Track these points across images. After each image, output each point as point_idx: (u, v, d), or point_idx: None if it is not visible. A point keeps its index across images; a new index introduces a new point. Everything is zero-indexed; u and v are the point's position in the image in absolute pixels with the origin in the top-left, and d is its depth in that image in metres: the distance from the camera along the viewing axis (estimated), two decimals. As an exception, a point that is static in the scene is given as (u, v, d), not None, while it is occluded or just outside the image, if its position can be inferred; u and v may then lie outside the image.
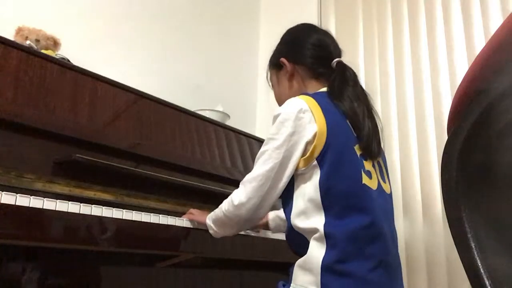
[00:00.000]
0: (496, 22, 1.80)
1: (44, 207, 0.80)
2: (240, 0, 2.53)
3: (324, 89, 0.99)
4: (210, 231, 1.00)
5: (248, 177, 0.92)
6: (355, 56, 2.13)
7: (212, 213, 1.00)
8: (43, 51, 1.27)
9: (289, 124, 0.88)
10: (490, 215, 0.56)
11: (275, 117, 0.91)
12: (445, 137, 0.61)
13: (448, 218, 0.58)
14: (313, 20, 2.08)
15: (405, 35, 2.05)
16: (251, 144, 1.73)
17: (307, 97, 0.92)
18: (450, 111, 0.61)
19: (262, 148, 0.91)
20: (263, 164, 0.89)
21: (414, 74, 1.98)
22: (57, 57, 1.29)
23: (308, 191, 0.87)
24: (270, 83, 1.14)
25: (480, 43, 1.83)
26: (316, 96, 0.93)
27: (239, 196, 0.90)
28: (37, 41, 1.34)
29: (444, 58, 1.92)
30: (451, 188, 0.57)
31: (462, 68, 1.86)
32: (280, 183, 0.89)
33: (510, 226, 0.54)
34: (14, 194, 0.77)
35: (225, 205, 0.94)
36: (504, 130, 0.52)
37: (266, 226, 1.25)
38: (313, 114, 0.88)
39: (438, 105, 1.89)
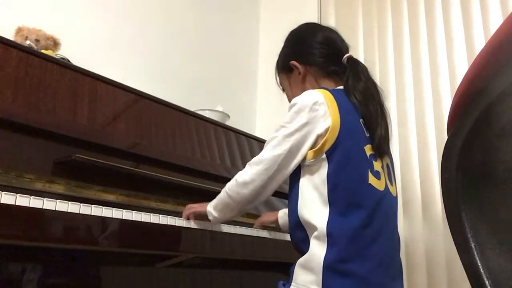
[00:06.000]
0: (496, 22, 1.80)
1: (44, 207, 0.79)
2: (240, 0, 2.54)
3: (341, 87, 0.99)
4: (210, 217, 1.01)
5: (255, 159, 0.92)
6: (354, 56, 2.12)
7: (214, 199, 1.00)
8: (43, 51, 1.27)
9: (304, 115, 0.88)
10: (490, 215, 0.56)
11: (291, 106, 0.92)
12: (445, 137, 0.61)
13: (448, 218, 0.58)
14: (313, 20, 2.07)
15: (405, 35, 2.05)
16: (251, 144, 1.73)
17: (325, 91, 0.92)
18: (450, 111, 0.61)
19: (273, 134, 0.92)
20: (272, 149, 0.90)
21: (414, 74, 1.98)
22: (57, 57, 1.29)
23: (316, 183, 0.87)
24: (281, 87, 1.13)
25: (480, 43, 1.83)
26: (334, 92, 0.93)
27: (244, 176, 0.91)
28: (37, 41, 1.34)
29: (444, 58, 1.92)
30: (451, 188, 0.57)
31: (462, 68, 1.86)
32: (286, 171, 0.89)
33: (510, 226, 0.54)
34: (14, 194, 0.76)
35: (228, 185, 0.95)
36: (504, 130, 0.52)
37: (275, 223, 1.27)
38: (328, 108, 0.88)
39: (438, 105, 1.89)
